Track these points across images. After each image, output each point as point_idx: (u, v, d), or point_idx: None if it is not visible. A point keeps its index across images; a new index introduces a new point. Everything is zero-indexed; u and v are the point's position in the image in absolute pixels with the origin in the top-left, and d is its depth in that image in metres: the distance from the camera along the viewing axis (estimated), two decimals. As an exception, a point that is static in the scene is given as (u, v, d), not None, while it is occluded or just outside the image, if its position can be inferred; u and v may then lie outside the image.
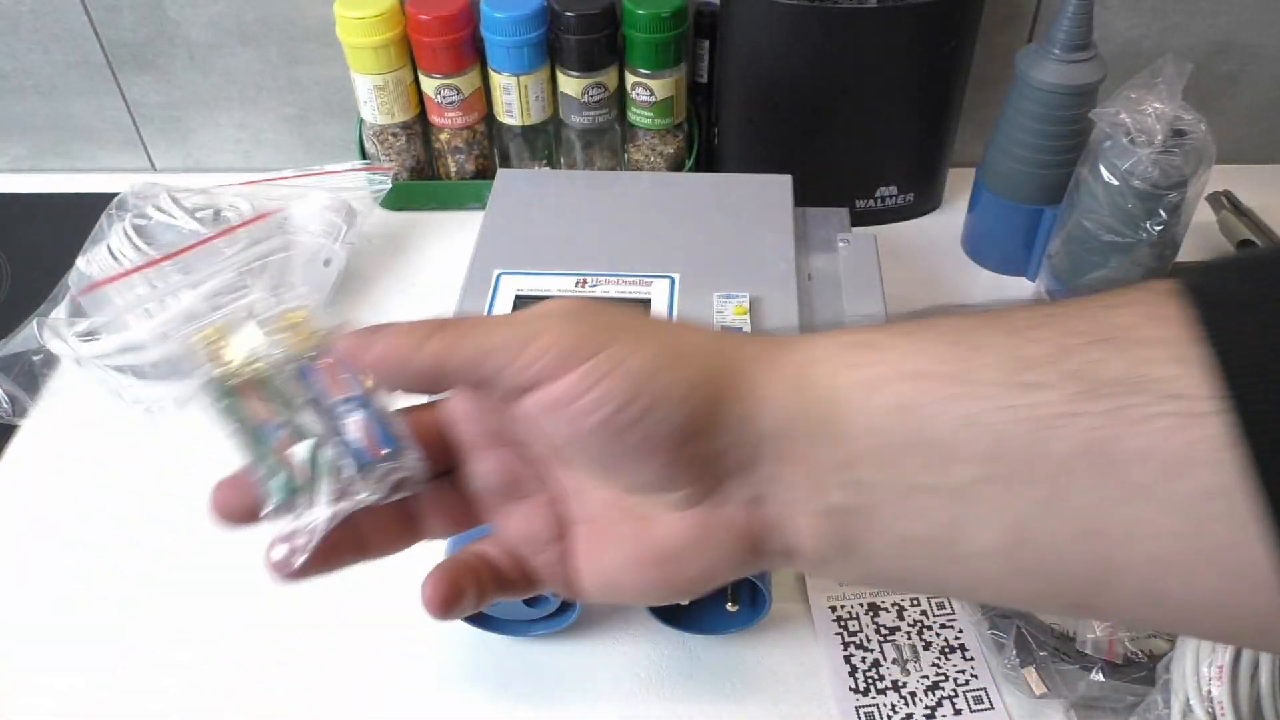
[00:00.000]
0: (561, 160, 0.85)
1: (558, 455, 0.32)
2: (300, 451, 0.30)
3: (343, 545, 0.32)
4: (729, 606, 0.54)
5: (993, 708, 0.52)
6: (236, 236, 0.67)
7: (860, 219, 0.81)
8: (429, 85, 0.79)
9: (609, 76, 0.79)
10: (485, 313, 0.60)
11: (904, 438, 0.27)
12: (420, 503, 0.34)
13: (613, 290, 0.61)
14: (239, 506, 0.31)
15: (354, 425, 0.31)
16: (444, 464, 0.34)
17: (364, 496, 0.31)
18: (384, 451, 0.31)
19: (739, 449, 0.29)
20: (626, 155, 0.85)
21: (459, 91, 0.79)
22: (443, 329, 0.30)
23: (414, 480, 0.32)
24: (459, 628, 0.55)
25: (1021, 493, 0.26)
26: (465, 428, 0.34)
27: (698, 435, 0.29)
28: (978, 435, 0.26)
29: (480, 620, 0.55)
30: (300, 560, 0.30)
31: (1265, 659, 0.44)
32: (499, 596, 0.34)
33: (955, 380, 0.27)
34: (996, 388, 0.26)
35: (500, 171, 0.73)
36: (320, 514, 0.30)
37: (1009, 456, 0.26)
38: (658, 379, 0.29)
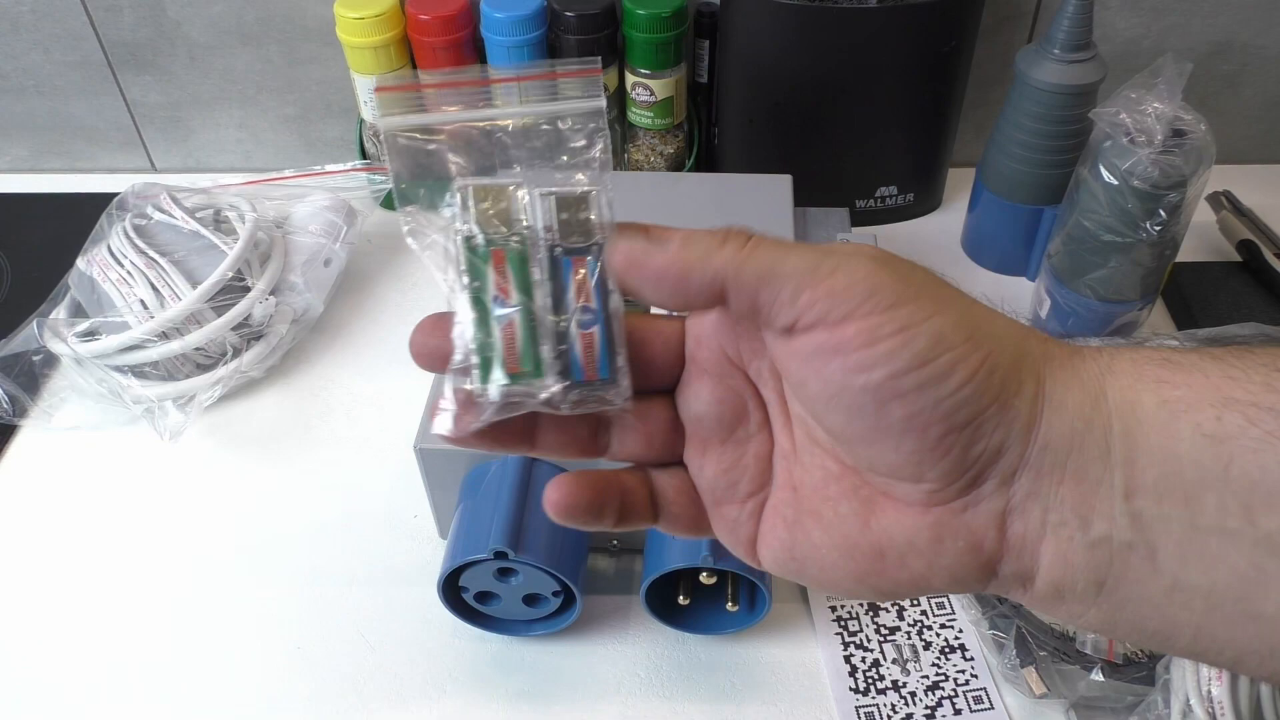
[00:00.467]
0: (562, 160, 0.85)
1: (805, 407, 0.29)
2: (519, 343, 0.28)
3: (510, 433, 0.29)
4: (729, 606, 0.54)
5: (992, 708, 0.52)
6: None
7: (860, 219, 0.81)
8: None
9: (609, 76, 0.79)
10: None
11: (1207, 471, 0.24)
12: (614, 418, 0.31)
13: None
14: (432, 353, 0.29)
15: (582, 339, 0.29)
16: (668, 380, 0.31)
17: (552, 406, 0.29)
18: (598, 379, 0.29)
19: (1011, 453, 0.26)
20: (626, 155, 0.85)
21: (459, 91, 0.79)
22: (730, 240, 0.27)
23: (612, 409, 0.29)
24: (459, 628, 0.55)
25: None
26: (705, 345, 0.30)
27: (974, 424, 0.26)
28: None
29: (480, 620, 0.55)
30: (462, 433, 0.29)
31: (1265, 659, 0.44)
32: (639, 525, 0.31)
33: None
34: None
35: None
36: (501, 404, 0.28)
37: None
38: (957, 348, 0.25)
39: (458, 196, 0.29)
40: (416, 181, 0.29)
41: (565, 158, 0.30)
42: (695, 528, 0.31)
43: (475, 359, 0.28)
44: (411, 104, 0.30)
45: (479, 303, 0.28)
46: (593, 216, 0.29)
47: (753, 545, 0.30)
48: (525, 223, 0.29)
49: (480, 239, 0.29)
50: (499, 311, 0.28)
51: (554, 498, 0.29)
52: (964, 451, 0.26)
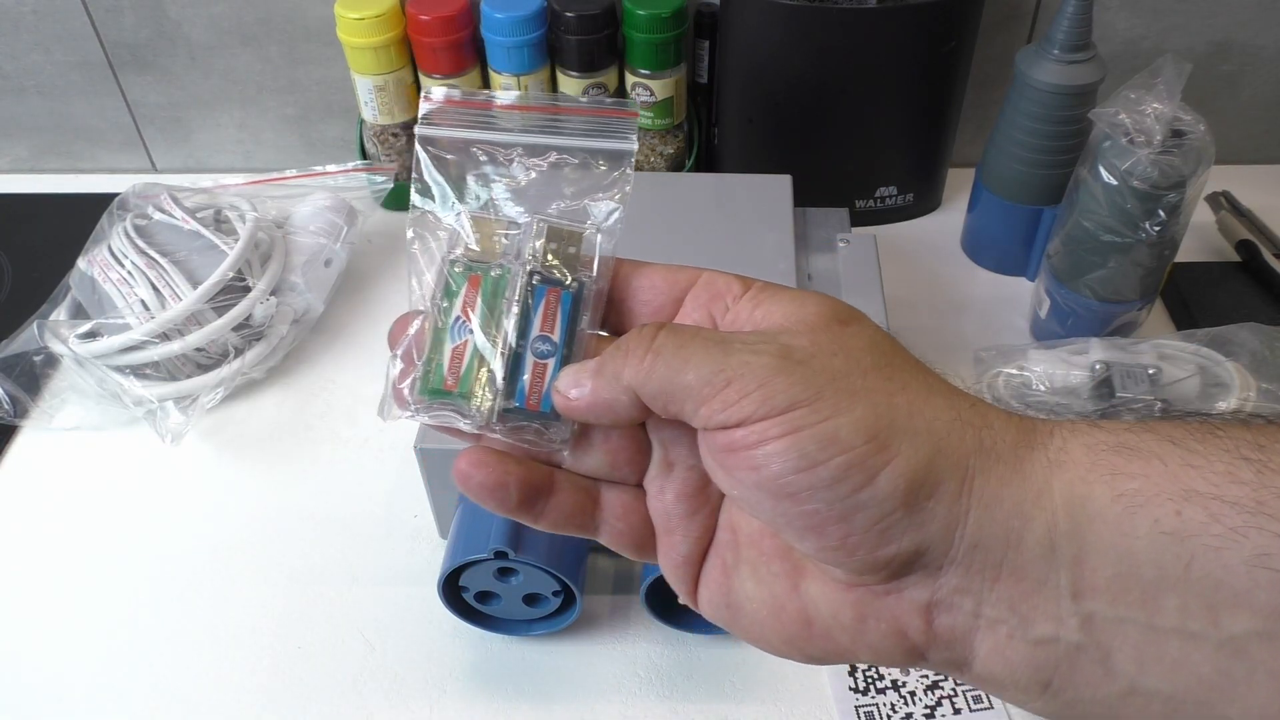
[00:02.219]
0: (562, 160, 0.85)
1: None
2: (464, 366, 0.29)
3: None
4: (729, 606, 0.54)
5: (992, 707, 0.52)
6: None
7: (860, 219, 0.81)
8: (429, 86, 0.79)
9: (609, 76, 0.79)
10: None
11: (1166, 571, 0.23)
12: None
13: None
14: (395, 342, 0.30)
15: (534, 367, 0.29)
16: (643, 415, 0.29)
17: (483, 428, 0.29)
18: (539, 411, 0.29)
19: (933, 553, 0.25)
20: (626, 155, 0.85)
21: (459, 92, 0.79)
22: (632, 353, 0.27)
23: (548, 448, 0.30)
24: (459, 628, 0.55)
25: None
26: None
27: (878, 529, 0.25)
28: (1269, 581, 0.22)
29: (480, 620, 0.55)
30: (389, 418, 0.30)
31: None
32: (572, 531, 0.30)
33: (1247, 508, 0.22)
34: None
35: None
36: (427, 413, 0.29)
37: None
38: (852, 450, 0.24)
39: (461, 221, 0.30)
40: (433, 186, 0.31)
41: (584, 191, 0.30)
42: (639, 550, 0.31)
43: (419, 370, 0.29)
44: (455, 119, 0.30)
45: (440, 324, 0.30)
46: (580, 253, 0.30)
47: (694, 584, 0.30)
48: (512, 258, 0.30)
49: (462, 263, 0.30)
50: (456, 332, 0.29)
51: (459, 465, 0.29)
52: (870, 554, 0.25)
